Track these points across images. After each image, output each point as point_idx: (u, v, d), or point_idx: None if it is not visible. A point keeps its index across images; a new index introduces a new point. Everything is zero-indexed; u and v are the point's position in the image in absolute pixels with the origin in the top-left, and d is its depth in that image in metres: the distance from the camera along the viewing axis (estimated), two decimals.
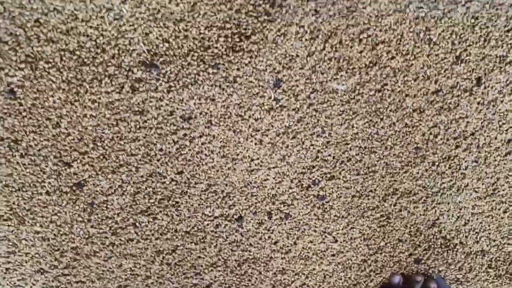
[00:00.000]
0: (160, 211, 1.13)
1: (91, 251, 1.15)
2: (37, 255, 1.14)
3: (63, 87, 0.95)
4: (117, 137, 1.02)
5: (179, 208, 1.13)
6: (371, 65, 1.03)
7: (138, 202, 1.10)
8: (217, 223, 1.16)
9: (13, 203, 1.06)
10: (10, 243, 1.12)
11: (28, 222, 1.09)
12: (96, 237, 1.13)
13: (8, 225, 1.09)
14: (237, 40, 0.97)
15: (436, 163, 1.15)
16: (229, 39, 0.97)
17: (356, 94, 1.05)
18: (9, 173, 1.02)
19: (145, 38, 0.95)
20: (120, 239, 1.14)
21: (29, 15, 0.89)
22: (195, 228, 1.16)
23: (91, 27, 0.92)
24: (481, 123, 1.12)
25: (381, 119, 1.09)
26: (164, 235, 1.16)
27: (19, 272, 1.16)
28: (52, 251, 1.14)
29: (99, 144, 1.02)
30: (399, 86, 1.06)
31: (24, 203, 1.06)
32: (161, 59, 0.97)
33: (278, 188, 1.14)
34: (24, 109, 0.96)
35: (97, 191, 1.07)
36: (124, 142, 1.03)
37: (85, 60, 0.94)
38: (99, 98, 0.97)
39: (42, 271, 1.16)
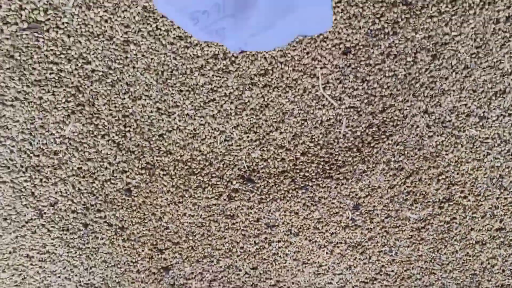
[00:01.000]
0: None
1: None
2: None
3: (172, 190, 1.09)
4: (207, 234, 1.15)
5: None
6: (444, 200, 1.13)
7: None
8: None
9: (106, 276, 1.19)
10: None
11: None
12: None
13: None
14: (328, 168, 1.09)
15: None
16: (321, 166, 1.09)
17: (426, 223, 1.15)
18: (109, 252, 1.16)
19: (247, 157, 1.07)
20: None
21: (156, 131, 1.03)
22: None
23: (204, 144, 1.05)
24: None
25: (445, 247, 1.18)
26: None
27: None
28: None
29: (191, 238, 1.15)
30: (466, 221, 1.15)
31: (116, 277, 1.20)
32: (257, 175, 1.09)
33: None
34: (135, 205, 1.10)
35: (180, 275, 1.20)
36: (212, 239, 1.15)
37: (194, 170, 1.07)
38: (200, 202, 1.10)
39: None
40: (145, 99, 1.00)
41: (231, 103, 1.02)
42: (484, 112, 1.04)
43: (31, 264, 1.18)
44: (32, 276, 1.20)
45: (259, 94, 1.02)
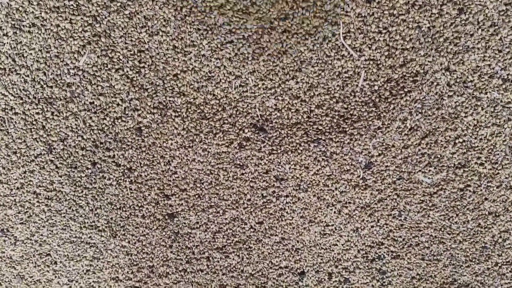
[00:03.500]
0: (233, 252, 1.23)
1: (164, 272, 1.26)
2: (117, 265, 1.27)
3: (183, 133, 1.07)
4: (215, 182, 1.13)
5: (251, 253, 1.23)
6: (459, 166, 1.10)
7: (216, 240, 1.21)
8: (281, 272, 1.25)
9: (111, 219, 1.19)
10: (97, 250, 1.25)
11: (119, 236, 1.22)
12: (172, 261, 1.25)
13: (101, 235, 1.22)
14: (342, 122, 1.06)
15: (499, 264, 1.20)
16: (335, 120, 1.06)
17: (439, 189, 1.12)
18: (116, 194, 1.15)
19: (261, 105, 1.05)
20: (192, 268, 1.25)
21: (171, 70, 1.02)
22: (260, 273, 1.26)
23: (218, 88, 1.04)
24: None
25: (457, 215, 1.15)
26: (231, 273, 1.26)
27: (96, 276, 1.29)
28: (131, 265, 1.26)
29: (198, 185, 1.14)
30: (481, 190, 1.12)
31: (121, 221, 1.19)
32: (270, 125, 1.08)
33: (344, 254, 1.22)
34: (144, 145, 1.09)
35: (185, 223, 1.19)
36: (220, 188, 1.14)
37: (206, 114, 1.06)
38: (210, 148, 1.09)
39: (117, 279, 1.29)
40: (161, 35, 0.98)
41: (249, 46, 1.00)
42: (508, 74, 1.01)
43: (38, 202, 1.18)
44: (38, 214, 1.20)
45: (278, 40, 1.00)
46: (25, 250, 1.27)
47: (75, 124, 1.07)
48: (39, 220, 1.21)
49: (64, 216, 1.20)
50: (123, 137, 1.08)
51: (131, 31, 0.98)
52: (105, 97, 1.04)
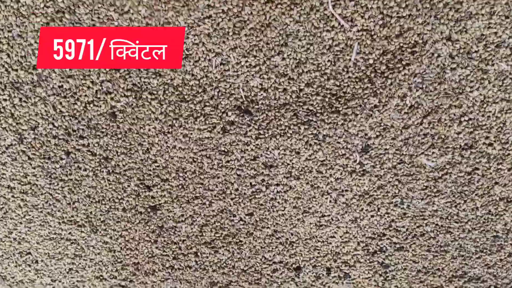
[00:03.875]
0: (223, 246, 1.14)
1: (150, 269, 1.18)
2: (100, 263, 1.19)
3: (160, 118, 0.99)
4: (199, 171, 1.05)
5: (241, 247, 1.14)
6: (466, 147, 0.99)
7: (204, 234, 1.13)
8: (275, 268, 1.16)
9: (91, 213, 1.11)
10: (79, 247, 1.17)
11: (100, 232, 1.14)
12: (158, 258, 1.17)
13: (81, 231, 1.14)
14: (334, 101, 0.97)
15: None
16: (327, 99, 0.97)
17: (444, 173, 1.02)
18: (94, 186, 1.07)
19: (245, 85, 0.96)
20: (180, 264, 1.17)
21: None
22: (253, 269, 1.17)
23: (197, 67, 0.95)
24: None
25: (465, 202, 1.05)
26: (221, 269, 1.17)
27: (80, 275, 1.22)
28: (115, 262, 1.18)
29: (181, 174, 1.05)
30: (490, 173, 1.02)
31: (101, 215, 1.11)
32: (256, 107, 0.99)
33: (343, 247, 1.13)
34: (120, 132, 1.01)
35: (169, 216, 1.11)
36: (204, 177, 1.05)
37: (185, 97, 0.97)
38: (191, 134, 1.00)
39: (101, 278, 1.21)
40: (133, 14, 0.90)
41: (229, 20, 0.91)
42: None
43: (13, 196, 1.11)
44: (14, 210, 1.13)
45: (260, 11, 0.91)
46: (5, 249, 1.20)
47: (45, 111, 0.99)
48: (15, 216, 1.14)
49: (41, 211, 1.12)
50: (96, 123, 1.00)
51: (98, 7, 0.89)
52: (74, 80, 0.96)
